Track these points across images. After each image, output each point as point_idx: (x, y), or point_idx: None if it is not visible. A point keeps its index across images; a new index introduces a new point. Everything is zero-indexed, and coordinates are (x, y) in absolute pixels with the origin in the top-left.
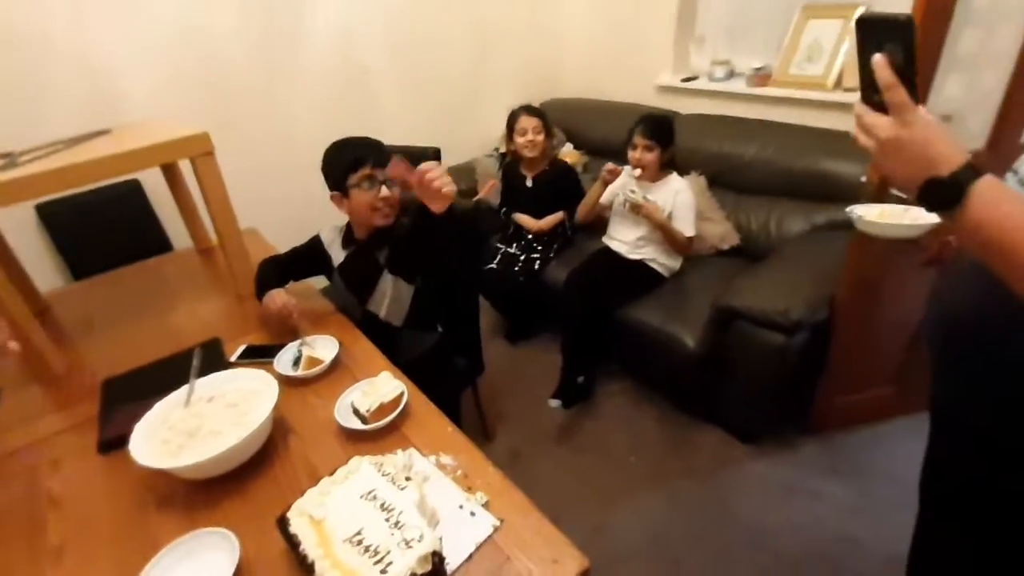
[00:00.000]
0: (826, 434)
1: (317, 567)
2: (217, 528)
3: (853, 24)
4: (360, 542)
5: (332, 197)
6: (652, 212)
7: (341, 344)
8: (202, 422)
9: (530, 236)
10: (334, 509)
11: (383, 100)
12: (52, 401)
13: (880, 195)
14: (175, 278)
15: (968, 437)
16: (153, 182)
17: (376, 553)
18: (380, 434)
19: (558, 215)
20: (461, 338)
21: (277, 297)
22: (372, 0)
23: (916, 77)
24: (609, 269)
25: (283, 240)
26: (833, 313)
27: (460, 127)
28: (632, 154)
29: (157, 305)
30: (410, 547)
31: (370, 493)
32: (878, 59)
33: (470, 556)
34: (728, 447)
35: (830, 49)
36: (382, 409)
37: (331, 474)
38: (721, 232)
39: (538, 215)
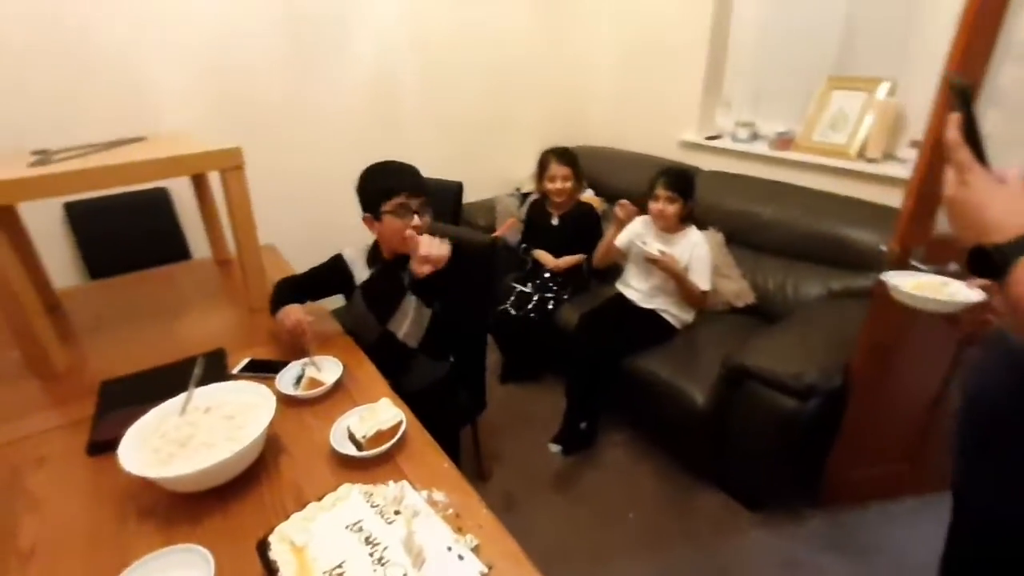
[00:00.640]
0: (834, 508)
1: None
2: (194, 545)
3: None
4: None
5: (364, 219)
6: (668, 265)
7: (345, 367)
8: (195, 432)
9: (547, 275)
10: (318, 537)
11: (410, 132)
12: (49, 397)
13: (901, 264)
14: (189, 286)
15: (996, 530)
16: (180, 191)
17: None
18: (374, 463)
19: (577, 256)
20: (466, 371)
21: (292, 313)
22: (407, 35)
23: (980, 139)
24: (621, 316)
25: (299, 259)
26: (848, 381)
27: (483, 165)
28: (653, 205)
29: (167, 311)
30: None
31: (356, 524)
32: (949, 118)
33: None
34: (730, 513)
35: (855, 119)
36: (379, 437)
37: (319, 499)
38: (736, 289)
39: (559, 255)
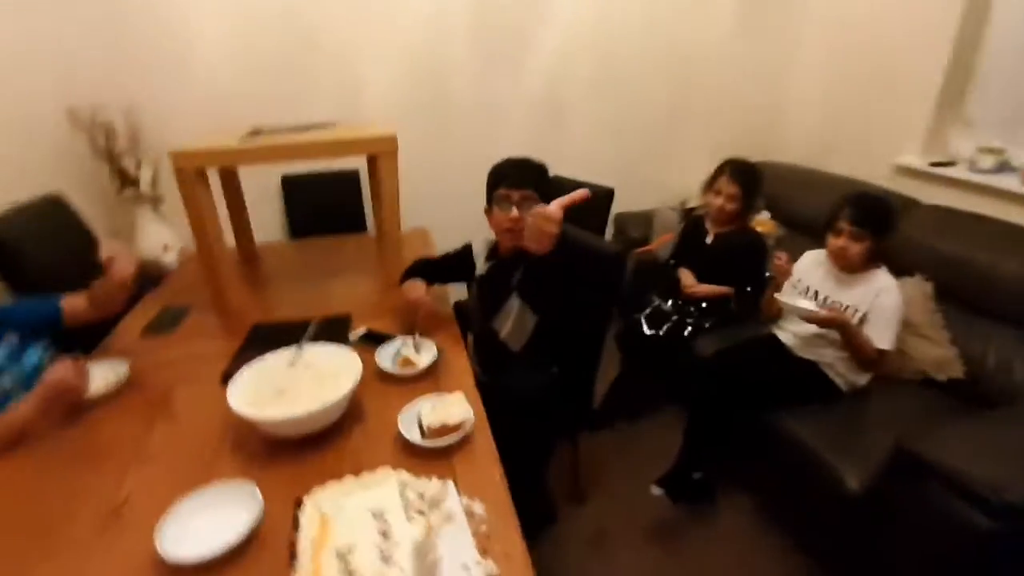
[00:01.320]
0: None
1: (298, 564)
2: (253, 486)
3: None
4: (346, 560)
5: (484, 210)
6: (833, 319)
7: (441, 353)
8: (291, 385)
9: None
10: (344, 512)
11: (572, 132)
12: (218, 328)
13: None
14: (351, 256)
15: None
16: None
17: None
18: (430, 454)
19: (720, 288)
20: (572, 385)
21: (415, 288)
22: (589, 36)
23: None
24: (770, 361)
25: (453, 246)
26: None
27: (643, 174)
28: (834, 241)
29: (327, 273)
30: None
31: (380, 512)
32: None
33: None
34: None
35: None
36: (442, 429)
37: (358, 476)
38: (938, 357)
39: (709, 277)
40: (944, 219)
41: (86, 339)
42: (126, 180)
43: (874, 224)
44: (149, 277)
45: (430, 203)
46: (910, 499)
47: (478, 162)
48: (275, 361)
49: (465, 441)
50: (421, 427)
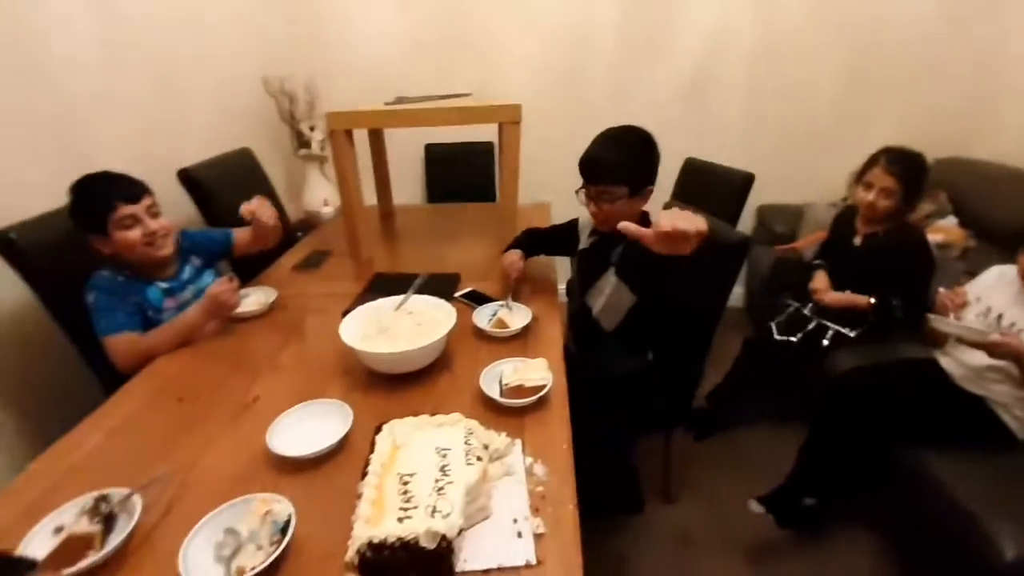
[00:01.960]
0: None
1: (366, 480)
2: (347, 406)
3: None
4: (406, 483)
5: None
6: (1014, 347)
7: (534, 320)
8: (393, 326)
9: None
10: (413, 443)
11: (716, 115)
12: (350, 273)
13: None
14: (475, 221)
15: None
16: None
17: (408, 501)
18: (504, 411)
19: (858, 299)
20: (669, 374)
21: (511, 255)
22: (745, 13)
23: None
24: (924, 391)
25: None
26: None
27: (792, 163)
28: None
29: (449, 236)
30: (432, 516)
31: (444, 450)
32: None
33: (487, 571)
34: None
35: None
36: (519, 390)
37: (432, 415)
38: None
39: (859, 284)
40: None
41: (251, 270)
42: (302, 141)
43: None
44: (309, 224)
45: (558, 178)
46: None
47: None
48: (385, 304)
49: (540, 405)
50: (501, 386)
